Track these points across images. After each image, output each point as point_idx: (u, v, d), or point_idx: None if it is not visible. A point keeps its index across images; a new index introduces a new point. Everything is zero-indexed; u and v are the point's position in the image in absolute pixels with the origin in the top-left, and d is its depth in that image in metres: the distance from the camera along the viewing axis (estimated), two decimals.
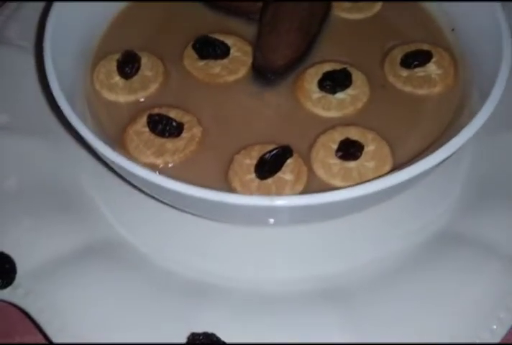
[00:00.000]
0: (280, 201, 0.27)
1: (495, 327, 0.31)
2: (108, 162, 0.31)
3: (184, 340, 0.31)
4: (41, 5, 0.44)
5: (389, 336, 0.31)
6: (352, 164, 0.33)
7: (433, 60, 0.37)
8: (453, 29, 0.38)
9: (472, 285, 0.32)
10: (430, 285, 0.33)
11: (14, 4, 0.45)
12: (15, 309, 0.33)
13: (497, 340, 0.30)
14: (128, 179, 0.32)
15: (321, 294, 0.33)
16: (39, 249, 0.34)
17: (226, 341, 0.31)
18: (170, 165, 0.33)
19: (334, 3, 0.40)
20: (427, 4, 0.40)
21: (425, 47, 0.37)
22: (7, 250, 0.33)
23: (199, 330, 0.31)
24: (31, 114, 0.40)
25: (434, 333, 0.31)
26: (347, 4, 0.40)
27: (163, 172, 0.33)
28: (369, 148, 0.33)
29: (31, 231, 0.35)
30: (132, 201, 0.37)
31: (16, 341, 0.35)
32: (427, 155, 0.30)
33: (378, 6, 0.40)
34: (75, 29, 0.37)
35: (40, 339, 0.33)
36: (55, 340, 0.31)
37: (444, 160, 0.29)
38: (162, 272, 0.35)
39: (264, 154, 0.32)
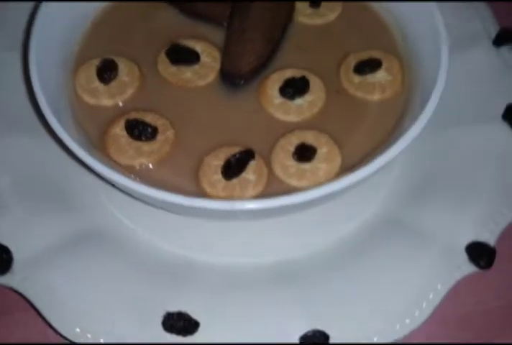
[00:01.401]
0: (239, 205, 0.32)
1: (424, 305, 0.37)
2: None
3: (161, 318, 0.36)
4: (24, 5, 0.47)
5: (334, 310, 0.37)
6: (306, 165, 0.37)
7: (384, 66, 0.40)
8: (403, 38, 0.42)
9: (408, 268, 0.38)
10: (371, 268, 0.38)
11: None
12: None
13: (423, 318, 0.36)
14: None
15: (278, 276, 0.38)
16: (32, 239, 0.39)
17: (196, 319, 0.36)
18: (146, 166, 0.37)
19: (297, 10, 0.43)
20: (382, 12, 0.43)
21: (377, 54, 0.41)
22: (4, 240, 0.38)
23: (174, 309, 0.36)
24: (18, 113, 0.43)
25: (372, 308, 0.37)
26: (308, 10, 0.43)
27: (140, 172, 0.37)
28: (322, 150, 0.38)
29: (24, 222, 0.39)
30: (113, 193, 0.41)
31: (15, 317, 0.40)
32: (368, 161, 0.34)
33: (337, 12, 0.43)
34: (57, 36, 0.40)
35: (35, 315, 0.39)
36: (50, 320, 0.36)
37: (380, 169, 0.34)
38: (143, 257, 0.40)
39: (230, 157, 0.36)
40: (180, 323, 0.36)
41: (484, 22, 0.48)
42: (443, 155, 0.42)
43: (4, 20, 0.46)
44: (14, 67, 0.45)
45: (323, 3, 0.43)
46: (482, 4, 0.49)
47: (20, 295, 0.37)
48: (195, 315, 0.36)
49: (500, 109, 0.43)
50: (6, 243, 0.38)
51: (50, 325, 0.36)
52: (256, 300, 0.37)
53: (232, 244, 0.40)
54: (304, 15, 0.43)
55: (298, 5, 0.43)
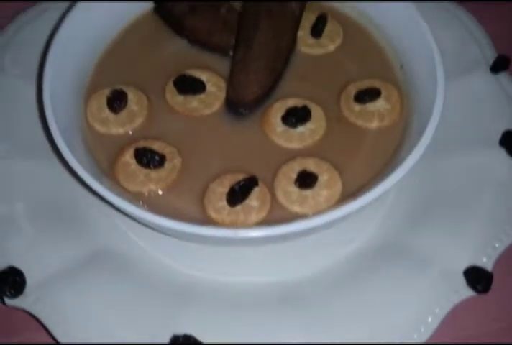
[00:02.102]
0: (242, 233, 0.33)
1: (422, 329, 0.38)
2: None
3: (167, 340, 0.37)
4: (39, 28, 0.49)
5: (334, 331, 0.38)
6: (308, 192, 0.39)
7: (383, 95, 0.42)
8: (401, 67, 0.43)
9: (407, 292, 0.39)
10: (370, 291, 0.39)
11: (11, 30, 0.50)
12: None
13: (422, 341, 0.37)
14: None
15: (281, 297, 0.40)
16: (45, 261, 0.40)
17: (202, 341, 0.37)
18: (154, 193, 0.39)
19: (299, 39, 0.45)
20: (381, 41, 0.45)
21: (376, 83, 0.43)
22: (17, 264, 0.39)
23: (180, 331, 0.38)
24: (31, 140, 0.45)
25: (371, 331, 0.38)
26: (310, 40, 0.45)
27: (148, 199, 0.39)
28: (323, 177, 0.39)
29: (37, 245, 0.41)
30: (122, 216, 0.43)
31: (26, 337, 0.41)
32: (368, 189, 0.36)
33: (338, 42, 0.45)
34: (70, 66, 0.42)
35: (46, 335, 0.40)
36: (60, 340, 0.38)
37: (380, 197, 0.35)
38: (150, 277, 0.41)
39: (234, 185, 0.38)
40: None
41: (481, 48, 0.49)
42: (441, 179, 0.43)
43: (18, 48, 0.48)
44: (27, 94, 0.47)
45: (325, 34, 0.45)
46: (479, 30, 0.50)
47: (31, 315, 0.39)
48: (200, 337, 0.38)
49: (498, 135, 0.44)
50: (19, 266, 0.40)
51: None
52: (259, 322, 0.39)
53: (238, 266, 0.42)
54: (306, 45, 0.45)
55: (300, 35, 0.45)
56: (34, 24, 0.50)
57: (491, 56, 0.48)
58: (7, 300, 0.39)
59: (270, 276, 0.41)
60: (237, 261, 0.41)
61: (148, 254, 0.42)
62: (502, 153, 0.44)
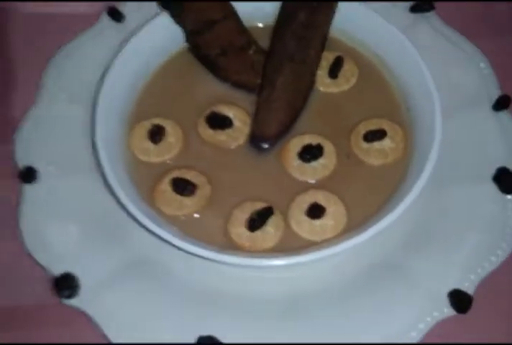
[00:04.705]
0: (267, 262, 0.40)
1: (413, 334, 0.45)
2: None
3: (194, 340, 0.45)
4: (82, 57, 0.56)
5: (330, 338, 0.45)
6: (317, 222, 0.45)
7: (389, 135, 0.47)
8: (408, 109, 0.49)
9: (397, 309, 0.46)
10: (365, 306, 0.46)
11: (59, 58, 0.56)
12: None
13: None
14: None
15: (288, 307, 0.46)
16: (95, 268, 0.48)
17: (223, 341, 0.45)
18: (186, 217, 0.46)
19: (317, 78, 0.50)
20: (391, 83, 0.50)
21: (384, 123, 0.48)
22: (73, 270, 0.47)
23: (205, 333, 0.45)
24: (77, 160, 0.51)
25: (365, 337, 0.45)
26: (327, 80, 0.50)
27: (182, 222, 0.46)
28: (331, 209, 0.45)
29: (87, 255, 0.48)
30: None
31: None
32: (370, 224, 0.42)
33: (352, 83, 0.50)
34: (117, 100, 0.48)
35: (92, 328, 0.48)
36: (107, 334, 0.46)
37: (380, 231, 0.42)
38: (182, 285, 0.48)
39: (253, 213, 0.45)
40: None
41: (487, 86, 0.53)
42: (437, 210, 0.49)
43: (64, 75, 0.54)
44: (71, 118, 0.53)
45: (341, 74, 0.50)
46: (487, 67, 0.54)
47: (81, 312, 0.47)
48: (222, 338, 0.45)
49: (492, 171, 0.50)
50: (74, 272, 0.47)
51: (108, 340, 0.46)
52: (269, 329, 0.46)
53: (258, 281, 0.48)
54: (323, 84, 0.50)
55: (319, 74, 0.50)
56: (80, 52, 0.56)
57: (495, 94, 0.53)
58: (64, 300, 0.47)
59: (281, 289, 0.48)
60: (257, 277, 0.48)
61: (180, 265, 0.49)
62: (494, 188, 0.49)
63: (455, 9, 0.59)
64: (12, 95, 0.57)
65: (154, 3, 0.55)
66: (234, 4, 0.50)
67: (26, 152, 0.52)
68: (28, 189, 0.50)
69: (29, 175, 0.50)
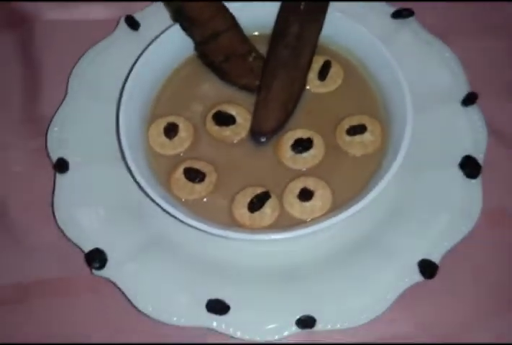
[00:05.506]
0: (265, 237, 0.49)
1: (388, 296, 0.54)
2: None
3: (204, 302, 0.54)
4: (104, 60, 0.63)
5: (319, 302, 0.54)
6: (307, 203, 0.53)
7: (369, 129, 0.55)
8: (385, 106, 0.56)
9: (376, 275, 0.54)
10: (349, 273, 0.54)
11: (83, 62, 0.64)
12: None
13: (381, 312, 0.53)
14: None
15: (284, 274, 0.55)
16: (118, 244, 0.56)
17: (229, 303, 0.54)
18: (197, 200, 0.54)
19: (308, 80, 0.58)
20: (371, 83, 0.58)
21: (365, 119, 0.56)
22: (101, 246, 0.56)
23: (213, 297, 0.54)
24: (103, 151, 0.60)
25: (348, 300, 0.54)
26: (316, 82, 0.58)
27: (193, 205, 0.54)
28: (319, 192, 0.54)
29: (113, 233, 0.57)
30: None
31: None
32: (352, 204, 0.50)
33: (338, 84, 0.58)
34: (137, 100, 0.56)
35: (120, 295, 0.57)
36: (132, 300, 0.54)
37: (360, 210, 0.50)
38: (193, 257, 0.56)
39: (253, 197, 0.53)
40: (217, 306, 0.53)
41: (457, 83, 0.61)
42: (410, 193, 0.57)
43: (89, 78, 0.62)
44: (97, 116, 0.61)
45: (329, 76, 0.58)
46: (458, 67, 0.62)
47: (110, 281, 0.56)
48: (227, 301, 0.54)
49: (459, 159, 0.57)
50: (102, 247, 0.56)
51: (131, 304, 0.55)
52: (268, 293, 0.54)
53: (256, 251, 0.57)
54: (313, 85, 0.58)
55: (310, 77, 0.58)
56: (101, 56, 0.63)
57: (465, 91, 0.61)
58: (94, 271, 0.55)
59: (276, 260, 0.56)
60: (256, 250, 0.57)
61: (192, 240, 0.57)
62: (460, 174, 0.57)
63: (432, 15, 0.66)
64: (41, 97, 0.65)
65: (166, 13, 0.62)
66: (236, 16, 0.58)
67: (57, 145, 0.60)
68: (61, 178, 0.59)
69: (61, 165, 0.59)
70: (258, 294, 0.55)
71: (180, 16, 0.56)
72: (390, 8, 0.64)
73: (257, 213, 0.53)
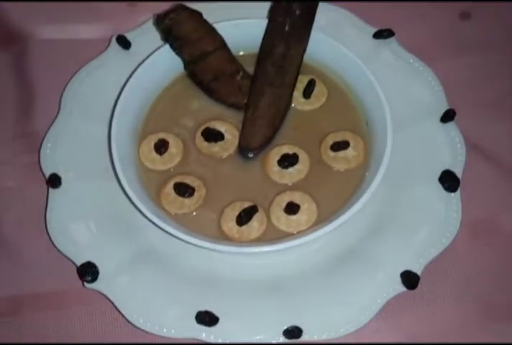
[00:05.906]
0: (252, 250, 0.51)
1: (373, 307, 0.56)
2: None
3: (194, 314, 0.55)
4: (95, 80, 0.65)
5: (307, 311, 0.56)
6: (293, 217, 0.55)
7: (352, 145, 0.58)
8: (367, 123, 0.59)
9: (359, 286, 0.56)
10: (334, 284, 0.56)
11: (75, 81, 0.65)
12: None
13: (366, 322, 0.55)
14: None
15: (271, 286, 0.57)
16: (109, 258, 0.58)
17: (217, 315, 0.55)
18: (186, 214, 0.56)
19: (293, 98, 0.60)
20: (354, 101, 0.60)
21: (348, 135, 0.58)
22: (93, 259, 0.57)
23: (203, 309, 0.55)
24: (94, 167, 0.61)
25: (333, 311, 0.55)
26: (301, 100, 0.60)
27: (183, 219, 0.56)
28: (304, 206, 0.56)
29: (104, 247, 0.58)
30: None
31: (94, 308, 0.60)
32: (337, 217, 0.52)
33: (322, 102, 0.60)
34: (128, 117, 0.58)
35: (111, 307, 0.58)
36: (122, 312, 0.55)
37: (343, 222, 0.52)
38: (183, 270, 0.58)
39: (241, 211, 0.55)
40: (206, 318, 0.55)
41: (436, 100, 0.63)
42: (392, 206, 0.59)
43: (81, 96, 0.64)
44: (89, 132, 0.62)
45: (313, 94, 0.60)
46: (437, 85, 0.64)
47: (101, 294, 0.57)
48: (216, 312, 0.56)
49: (439, 173, 0.60)
50: (94, 261, 0.57)
51: (123, 316, 0.56)
52: (255, 304, 0.56)
53: (244, 263, 0.59)
54: (298, 103, 0.60)
55: (295, 95, 0.60)
56: (92, 75, 0.65)
57: (443, 108, 0.63)
58: (86, 284, 0.57)
59: (263, 272, 0.58)
60: (244, 263, 0.58)
61: (181, 253, 0.59)
62: (439, 188, 0.59)
63: (412, 35, 0.69)
64: (34, 114, 0.67)
65: (156, 33, 0.65)
66: (224, 36, 0.60)
67: (50, 161, 0.62)
68: (53, 192, 0.60)
69: (53, 180, 0.60)
70: (246, 305, 0.56)
71: (170, 37, 0.58)
72: (372, 29, 0.67)
73: (244, 227, 0.55)
